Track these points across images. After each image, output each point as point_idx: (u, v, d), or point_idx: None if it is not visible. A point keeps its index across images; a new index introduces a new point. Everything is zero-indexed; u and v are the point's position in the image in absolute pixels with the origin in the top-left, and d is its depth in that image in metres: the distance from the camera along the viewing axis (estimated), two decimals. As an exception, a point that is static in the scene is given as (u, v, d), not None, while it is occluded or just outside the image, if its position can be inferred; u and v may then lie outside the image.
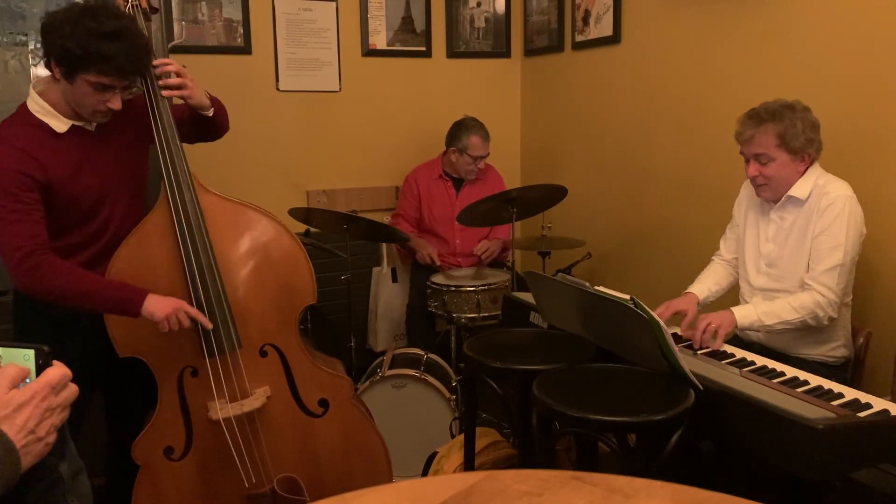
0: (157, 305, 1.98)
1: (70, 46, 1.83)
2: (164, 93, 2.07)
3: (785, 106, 2.12)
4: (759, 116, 2.14)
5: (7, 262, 1.92)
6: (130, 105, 2.16)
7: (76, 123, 2.01)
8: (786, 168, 2.13)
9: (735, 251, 2.43)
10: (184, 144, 2.12)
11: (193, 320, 2.03)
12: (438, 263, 3.47)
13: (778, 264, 2.23)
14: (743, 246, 2.36)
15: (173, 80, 2.07)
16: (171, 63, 2.09)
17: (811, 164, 2.16)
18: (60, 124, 1.98)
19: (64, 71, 1.89)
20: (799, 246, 2.17)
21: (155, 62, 2.07)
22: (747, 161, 2.19)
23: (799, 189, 2.15)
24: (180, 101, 2.16)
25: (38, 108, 1.97)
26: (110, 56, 1.85)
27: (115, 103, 1.95)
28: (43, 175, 1.92)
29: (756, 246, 2.30)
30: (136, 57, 1.92)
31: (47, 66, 1.93)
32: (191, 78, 2.10)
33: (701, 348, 2.09)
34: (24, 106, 2.00)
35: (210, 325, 2.05)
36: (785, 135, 2.09)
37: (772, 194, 2.20)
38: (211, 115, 2.19)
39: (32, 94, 1.99)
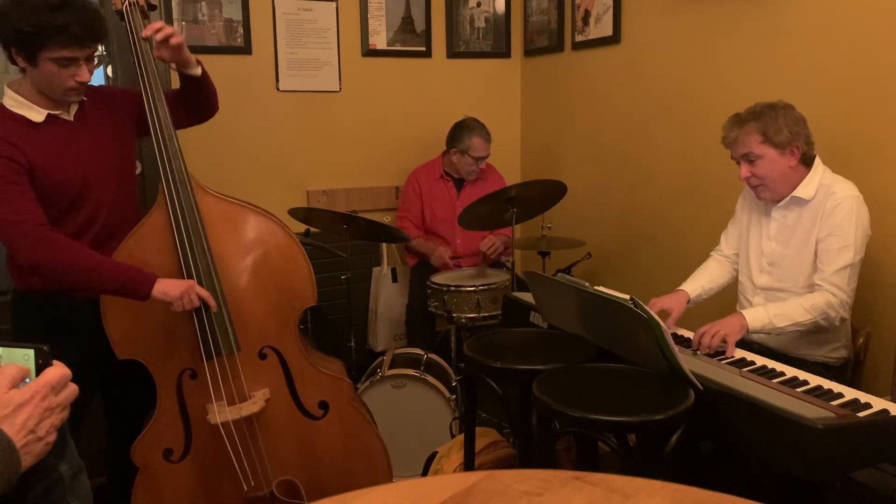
0: (169, 285, 1.98)
1: (23, 28, 1.86)
2: (153, 34, 2.05)
3: (766, 106, 2.14)
4: (740, 118, 2.16)
5: (13, 237, 1.93)
6: (110, 96, 2.19)
7: (52, 112, 2.02)
8: (776, 164, 2.13)
9: (735, 246, 2.42)
10: (182, 145, 2.11)
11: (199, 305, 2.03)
12: (452, 265, 3.46)
13: (781, 264, 2.23)
14: (746, 243, 2.36)
15: (159, 30, 2.05)
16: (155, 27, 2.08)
17: (802, 157, 2.15)
18: (36, 114, 2.00)
19: (26, 56, 1.92)
20: (802, 246, 2.17)
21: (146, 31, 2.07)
22: (738, 163, 2.20)
23: (804, 189, 2.15)
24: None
25: (14, 102, 2.00)
26: (63, 26, 1.87)
27: (83, 75, 1.97)
28: (25, 160, 1.94)
29: (758, 244, 2.30)
30: (88, 21, 1.93)
31: (10, 59, 1.95)
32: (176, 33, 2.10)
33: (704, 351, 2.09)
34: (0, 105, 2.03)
35: (217, 308, 2.06)
36: (767, 130, 2.10)
37: (771, 194, 2.19)
38: (199, 73, 2.18)
39: (7, 91, 2.02)
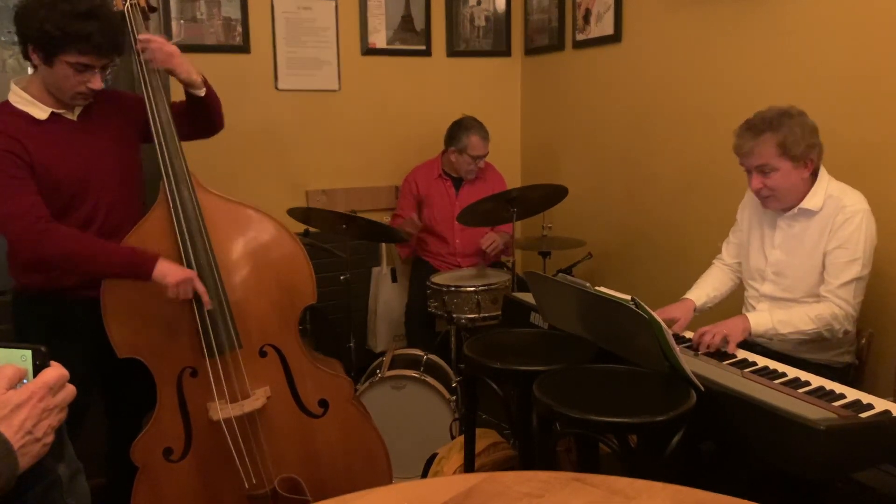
0: (170, 269, 1.99)
1: (48, 29, 1.87)
2: (152, 63, 2.07)
3: (781, 113, 2.08)
4: (756, 127, 2.09)
5: (14, 230, 1.94)
6: (116, 99, 2.20)
7: (56, 111, 2.03)
8: (790, 176, 2.09)
9: (737, 255, 2.41)
10: (182, 144, 2.12)
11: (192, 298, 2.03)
12: (418, 224, 3.51)
13: (786, 273, 2.21)
14: (747, 252, 2.34)
15: (157, 53, 2.07)
16: (153, 40, 2.09)
17: (814, 169, 2.13)
18: (40, 112, 2.01)
19: (43, 56, 1.93)
20: (808, 256, 2.15)
21: (140, 37, 2.08)
22: (749, 172, 2.15)
23: (811, 200, 2.12)
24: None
25: (19, 98, 2.01)
26: (87, 34, 1.89)
27: (96, 83, 1.99)
28: (27, 156, 1.95)
29: (761, 252, 2.28)
30: (112, 34, 1.95)
31: (24, 54, 1.97)
32: (177, 52, 2.11)
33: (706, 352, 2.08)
34: (4, 101, 2.03)
35: (210, 305, 2.06)
36: (785, 143, 2.05)
37: (779, 204, 2.17)
38: (203, 94, 2.19)
39: (14, 87, 2.03)
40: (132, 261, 1.98)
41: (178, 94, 2.23)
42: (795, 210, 2.15)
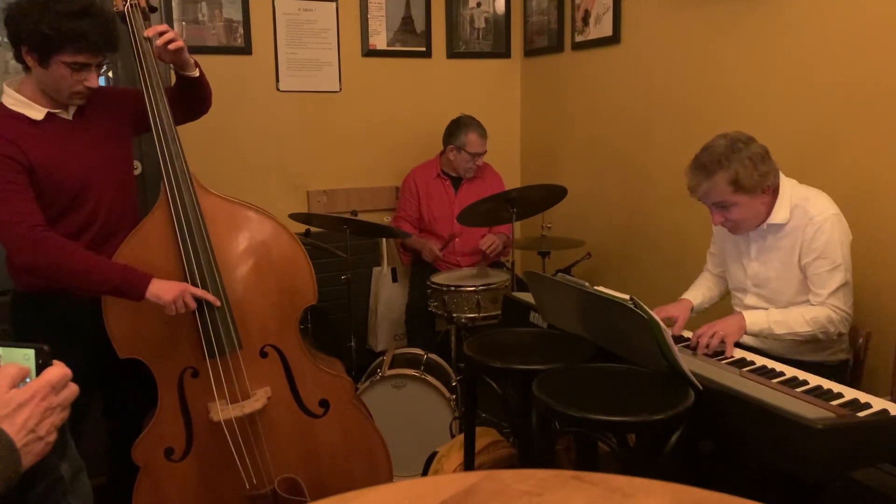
0: (163, 288, 1.98)
1: (43, 30, 1.86)
2: (155, 36, 2.08)
3: (728, 147, 2.07)
4: (705, 168, 2.09)
5: (8, 237, 1.92)
6: (108, 95, 2.20)
7: (52, 111, 2.03)
8: (750, 207, 2.10)
9: (720, 265, 2.42)
10: (182, 145, 2.12)
11: (196, 307, 2.03)
12: (442, 257, 3.49)
13: (766, 285, 2.22)
14: (726, 264, 2.35)
15: (162, 34, 2.08)
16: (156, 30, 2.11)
17: (774, 189, 2.13)
18: (37, 113, 2.00)
19: (38, 57, 1.92)
20: (785, 268, 2.16)
21: (147, 32, 2.09)
22: (710, 208, 2.16)
23: (778, 215, 2.12)
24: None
25: (13, 100, 2.00)
26: (83, 33, 1.89)
27: (93, 81, 1.99)
28: (26, 159, 1.94)
29: (739, 264, 2.29)
30: (107, 31, 1.95)
31: (17, 57, 1.95)
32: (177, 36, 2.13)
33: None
34: None
35: (218, 303, 2.06)
36: (738, 178, 2.05)
37: (745, 230, 2.18)
38: (197, 75, 2.21)
39: (6, 90, 2.01)
40: (125, 279, 1.96)
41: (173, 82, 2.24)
42: (765, 226, 2.15)
